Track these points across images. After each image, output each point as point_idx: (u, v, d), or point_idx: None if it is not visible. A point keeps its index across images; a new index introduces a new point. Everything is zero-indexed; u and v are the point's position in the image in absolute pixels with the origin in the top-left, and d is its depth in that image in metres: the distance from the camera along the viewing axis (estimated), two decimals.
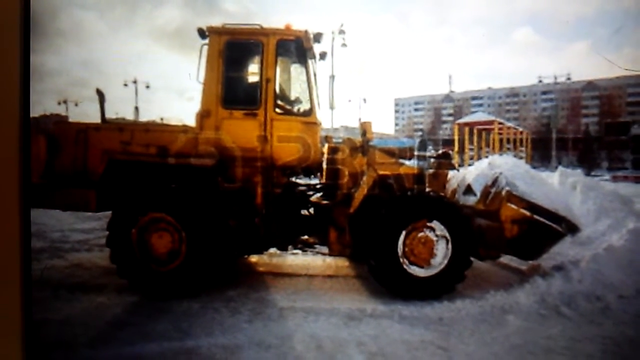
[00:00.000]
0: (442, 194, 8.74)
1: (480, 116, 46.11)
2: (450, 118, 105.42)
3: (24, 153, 2.67)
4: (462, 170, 9.92)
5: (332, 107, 9.14)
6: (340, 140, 9.23)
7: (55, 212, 9.00)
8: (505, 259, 8.86)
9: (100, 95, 8.72)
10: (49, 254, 10.02)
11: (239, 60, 8.57)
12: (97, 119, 8.63)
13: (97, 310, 7.02)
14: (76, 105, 49.54)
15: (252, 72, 8.65)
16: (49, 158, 7.96)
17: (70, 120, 9.60)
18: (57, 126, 8.48)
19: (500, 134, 36.70)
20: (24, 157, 2.67)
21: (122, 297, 7.47)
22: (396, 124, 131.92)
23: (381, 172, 8.30)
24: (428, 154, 9.61)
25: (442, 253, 7.70)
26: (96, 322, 6.61)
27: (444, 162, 9.21)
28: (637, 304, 6.94)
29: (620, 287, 7.19)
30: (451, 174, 9.34)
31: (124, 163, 7.93)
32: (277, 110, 8.25)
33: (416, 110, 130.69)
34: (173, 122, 9.18)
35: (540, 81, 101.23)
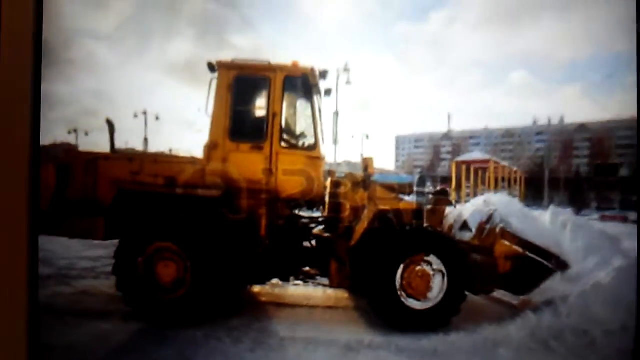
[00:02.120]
0: (440, 229, 8.93)
1: (477, 155, 46.21)
2: (449, 156, 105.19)
3: (33, 181, 2.79)
4: (459, 206, 10.02)
5: (335, 142, 9.35)
6: (342, 175, 9.36)
7: (63, 240, 9.05)
8: (498, 293, 8.94)
9: (111, 125, 8.82)
10: (56, 281, 10.04)
11: (247, 95, 8.71)
12: (106, 149, 8.75)
13: (103, 336, 7.07)
14: (86, 134, 49.14)
15: (260, 106, 8.80)
16: (58, 186, 8.04)
17: (80, 149, 9.65)
18: (67, 155, 8.58)
19: (495, 172, 36.84)
20: (33, 184, 2.79)
21: (127, 325, 7.52)
22: (397, 160, 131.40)
23: (381, 207, 8.42)
24: (427, 190, 9.79)
25: (438, 287, 7.81)
26: (101, 348, 6.69)
27: (442, 198, 9.41)
28: (622, 339, 7.03)
29: (606, 322, 7.25)
30: (448, 210, 9.51)
31: (132, 193, 8.06)
32: (283, 144, 8.42)
33: (416, 147, 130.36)
34: (181, 154, 9.31)
35: (534, 122, 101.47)
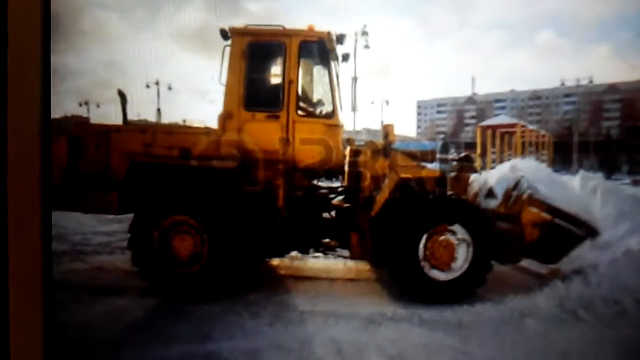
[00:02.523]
0: (464, 197, 8.73)
1: (503, 119, 45.77)
2: (473, 121, 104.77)
3: (45, 155, 2.65)
4: (484, 173, 9.87)
5: (354, 110, 9.19)
6: (362, 143, 9.22)
7: (77, 215, 9.00)
8: (525, 262, 8.76)
9: (123, 97, 8.74)
10: (71, 257, 10.06)
11: (262, 62, 8.55)
12: (119, 121, 8.67)
13: (119, 313, 7.02)
14: (98, 107, 49.56)
15: (275, 74, 8.63)
16: (70, 160, 7.95)
17: (92, 122, 9.59)
18: (79, 128, 8.50)
19: (522, 137, 36.42)
20: (45, 159, 2.65)
21: (143, 301, 7.49)
22: (419, 127, 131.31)
23: (403, 175, 8.24)
24: (450, 157, 9.59)
25: (463, 257, 7.68)
26: (117, 325, 6.63)
27: (466, 165, 9.17)
28: None
29: (638, 291, 7.13)
30: (473, 177, 9.29)
31: (146, 165, 7.94)
32: (300, 112, 8.25)
33: (439, 113, 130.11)
34: (195, 125, 9.16)
35: (562, 84, 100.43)
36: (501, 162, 23.78)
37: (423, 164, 8.60)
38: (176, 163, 7.91)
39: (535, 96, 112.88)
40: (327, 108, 8.74)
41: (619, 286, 7.26)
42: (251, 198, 7.96)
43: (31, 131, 2.59)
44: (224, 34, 8.31)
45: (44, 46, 2.62)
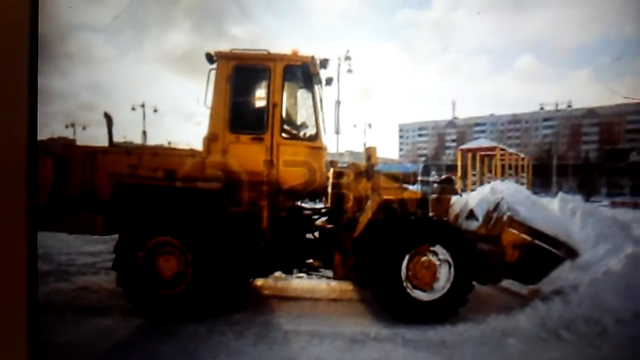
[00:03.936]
0: (445, 218, 8.83)
1: (482, 142, 46.17)
2: (454, 144, 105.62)
3: (31, 176, 2.69)
4: (464, 195, 9.98)
5: (337, 132, 9.31)
6: (345, 165, 9.31)
7: (62, 235, 9.01)
8: (506, 283, 8.88)
9: (108, 118, 8.75)
10: (56, 277, 10.01)
11: (246, 85, 8.63)
12: (104, 143, 8.66)
13: (104, 333, 7.01)
14: (84, 128, 49.32)
15: (259, 96, 8.73)
16: (56, 181, 7.94)
17: (78, 143, 9.57)
18: (65, 149, 8.48)
19: (502, 160, 36.74)
20: (31, 179, 2.70)
21: (128, 320, 7.47)
22: (400, 149, 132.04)
23: (385, 197, 8.34)
24: (431, 179, 9.69)
25: (444, 277, 7.74)
26: (102, 344, 6.62)
27: (447, 187, 9.32)
28: (635, 327, 6.96)
29: (617, 310, 7.21)
30: (454, 199, 9.44)
31: (131, 186, 7.97)
32: (284, 134, 8.33)
33: (420, 135, 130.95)
34: (180, 146, 9.21)
35: (541, 108, 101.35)
36: (481, 184, 23.95)
37: (405, 185, 8.70)
38: (161, 184, 7.96)
39: (515, 120, 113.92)
40: (310, 130, 8.83)
41: (599, 306, 7.33)
42: (235, 219, 7.99)
43: (18, 152, 2.64)
44: (210, 58, 8.41)
45: (31, 68, 2.69)
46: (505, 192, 8.71)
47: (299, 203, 9.10)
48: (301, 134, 8.97)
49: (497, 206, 8.36)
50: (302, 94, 9.23)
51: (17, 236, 2.66)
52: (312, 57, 8.55)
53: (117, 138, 8.99)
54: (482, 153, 35.96)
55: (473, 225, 8.64)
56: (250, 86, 8.77)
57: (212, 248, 7.59)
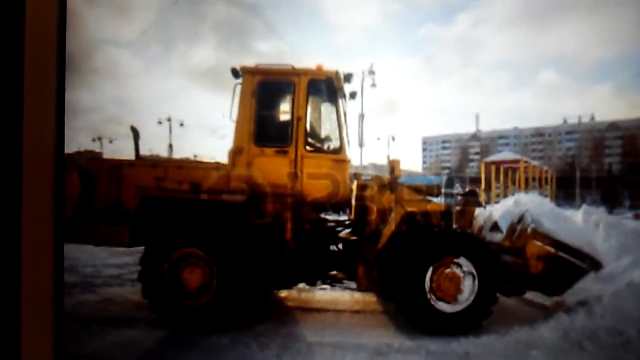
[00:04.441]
0: (469, 230, 8.82)
1: (506, 155, 46.00)
2: (477, 157, 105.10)
3: (58, 188, 2.74)
4: (488, 207, 9.94)
5: (361, 145, 9.27)
6: (369, 178, 9.32)
7: (88, 247, 9.09)
8: (530, 294, 8.79)
9: (135, 132, 8.83)
10: (81, 289, 10.08)
11: (271, 99, 8.69)
12: (131, 156, 8.76)
13: (129, 344, 7.06)
14: (110, 142, 49.74)
15: (284, 110, 8.77)
16: (82, 194, 8.02)
17: (105, 156, 9.69)
18: (91, 162, 8.61)
19: (525, 172, 36.55)
20: (57, 192, 2.74)
21: (153, 332, 7.51)
22: (424, 162, 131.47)
23: (409, 209, 8.34)
24: (455, 191, 9.69)
25: (468, 289, 7.72)
26: (127, 356, 6.70)
27: (471, 199, 9.30)
28: None
29: None
30: (478, 211, 9.41)
31: (157, 199, 8.05)
32: (308, 147, 8.37)
33: (443, 148, 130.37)
34: (206, 159, 9.28)
35: (564, 121, 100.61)
36: (505, 196, 23.85)
37: (428, 197, 8.72)
38: (186, 197, 8.03)
39: (538, 133, 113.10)
40: (334, 143, 8.87)
41: (623, 317, 7.28)
42: (259, 231, 8.05)
43: (45, 165, 2.70)
44: (235, 73, 8.50)
45: (59, 82, 2.75)
46: (529, 204, 8.69)
47: (322, 215, 9.09)
48: (325, 146, 9.02)
49: (521, 218, 8.34)
50: (327, 108, 9.25)
51: (43, 248, 2.70)
52: (336, 72, 8.61)
53: (143, 151, 9.06)
54: (506, 165, 35.79)
55: (497, 237, 8.62)
56: (274, 100, 8.83)
57: (237, 260, 7.64)
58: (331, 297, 10.03)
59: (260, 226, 8.09)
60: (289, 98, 8.56)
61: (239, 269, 7.63)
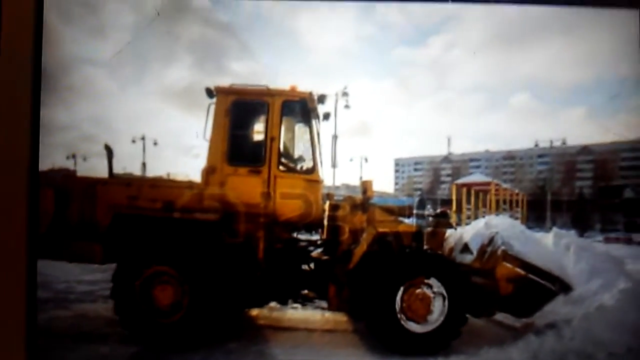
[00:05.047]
0: (440, 252, 8.90)
1: (477, 177, 46.43)
2: (449, 178, 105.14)
3: (31, 205, 2.77)
4: (459, 229, 9.99)
5: (334, 166, 9.29)
6: (341, 198, 9.34)
7: (62, 264, 9.02)
8: (499, 316, 8.88)
9: (109, 150, 8.79)
10: (54, 304, 10.01)
11: (245, 119, 8.72)
12: (105, 174, 8.72)
13: (100, 359, 7.09)
14: (84, 160, 48.98)
15: (258, 130, 8.81)
16: (56, 211, 8.02)
17: (79, 174, 9.62)
18: (66, 180, 8.54)
19: (496, 195, 36.75)
20: (31, 209, 2.77)
21: (124, 348, 7.50)
22: (396, 183, 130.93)
23: (380, 230, 8.41)
24: (426, 212, 9.78)
25: (438, 310, 7.77)
26: None
27: (442, 220, 9.38)
28: None
29: (610, 345, 7.21)
30: (449, 232, 9.46)
31: (130, 217, 8.05)
32: (281, 167, 8.41)
33: (416, 170, 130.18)
34: (179, 178, 9.28)
35: (536, 145, 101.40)
36: (476, 218, 23.96)
37: (400, 218, 8.80)
38: (159, 215, 8.04)
39: (510, 156, 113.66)
40: (307, 164, 8.93)
41: (592, 340, 7.34)
42: (232, 249, 8.06)
43: (19, 182, 2.73)
44: (209, 92, 8.53)
45: (34, 99, 2.78)
46: (499, 226, 8.76)
47: (295, 235, 9.12)
48: (298, 167, 9.08)
49: (491, 240, 8.42)
50: (300, 128, 9.32)
51: (17, 264, 2.72)
52: (310, 93, 8.66)
53: (117, 169, 9.04)
54: (477, 188, 35.98)
55: (467, 258, 8.69)
56: (248, 120, 8.86)
57: (209, 278, 7.67)
58: (302, 316, 10.00)
59: (233, 245, 8.09)
60: (262, 118, 8.60)
61: (210, 288, 7.66)
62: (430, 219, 9.44)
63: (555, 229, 10.15)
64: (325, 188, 9.68)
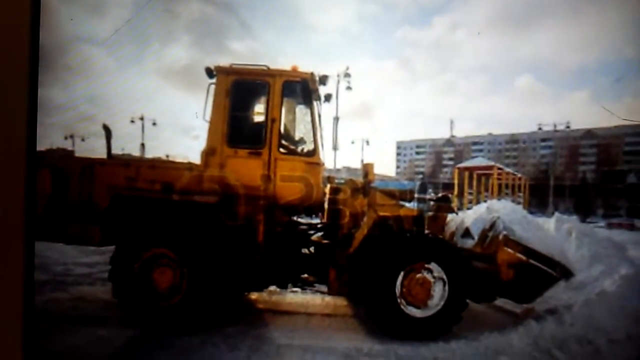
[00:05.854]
0: (441, 236, 8.83)
1: (480, 161, 46.24)
2: (451, 162, 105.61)
3: (29, 186, 2.71)
4: (461, 213, 9.97)
5: (335, 148, 9.23)
6: (342, 181, 9.34)
7: (59, 246, 9.01)
8: (500, 301, 8.88)
9: (107, 130, 8.74)
10: (52, 287, 9.98)
11: (245, 100, 8.65)
12: (103, 155, 8.67)
13: (98, 343, 7.01)
14: (83, 140, 48.94)
15: (258, 111, 8.76)
16: (54, 192, 7.97)
17: (77, 155, 9.59)
18: (63, 160, 8.54)
19: (499, 179, 36.79)
20: (29, 190, 2.71)
21: (122, 331, 7.46)
22: (398, 167, 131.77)
23: (381, 214, 8.37)
24: (428, 196, 9.74)
25: (439, 294, 7.76)
26: (97, 354, 6.66)
27: (444, 205, 9.33)
28: (628, 348, 6.94)
29: (611, 331, 7.18)
30: (450, 217, 9.43)
31: (128, 198, 7.99)
32: (281, 150, 8.34)
33: (417, 153, 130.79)
34: (178, 160, 9.22)
35: (539, 128, 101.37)
36: (477, 202, 23.95)
37: (401, 202, 8.75)
38: (158, 197, 7.98)
39: (513, 139, 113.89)
40: (308, 146, 8.84)
41: (593, 326, 7.30)
42: (231, 232, 8.01)
43: (17, 163, 2.66)
44: (209, 72, 8.43)
45: (31, 79, 2.71)
46: (501, 211, 8.72)
47: (295, 218, 9.09)
48: (299, 149, 8.99)
49: (493, 225, 8.38)
50: (301, 110, 9.22)
51: (14, 246, 2.67)
52: (312, 74, 8.57)
53: (115, 150, 9.00)
54: (479, 172, 35.93)
55: (468, 243, 8.66)
56: (249, 101, 8.80)
57: (208, 261, 7.65)
58: (302, 300, 10.02)
59: (232, 228, 8.04)
60: (263, 99, 8.52)
61: (209, 271, 7.64)
62: (432, 203, 9.41)
63: (557, 214, 10.15)
64: (326, 171, 9.64)
